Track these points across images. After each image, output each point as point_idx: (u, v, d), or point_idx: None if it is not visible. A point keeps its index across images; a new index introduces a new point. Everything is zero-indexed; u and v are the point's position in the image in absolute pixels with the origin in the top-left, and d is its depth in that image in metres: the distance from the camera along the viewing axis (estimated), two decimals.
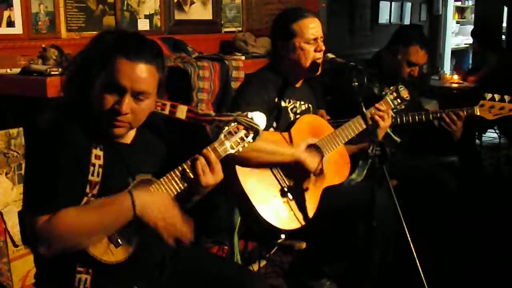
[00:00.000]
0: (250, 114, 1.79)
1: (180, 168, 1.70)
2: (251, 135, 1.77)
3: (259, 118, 1.80)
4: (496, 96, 2.93)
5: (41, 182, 1.57)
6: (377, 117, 2.54)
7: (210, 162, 1.70)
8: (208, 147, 1.72)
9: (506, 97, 2.93)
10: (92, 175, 1.60)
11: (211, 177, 1.70)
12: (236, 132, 1.75)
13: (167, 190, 1.69)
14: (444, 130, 3.00)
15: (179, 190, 1.70)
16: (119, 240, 1.63)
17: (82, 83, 1.62)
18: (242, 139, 1.76)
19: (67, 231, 1.53)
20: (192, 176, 1.69)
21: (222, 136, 1.74)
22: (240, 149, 1.76)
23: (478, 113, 2.96)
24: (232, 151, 1.75)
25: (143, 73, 1.61)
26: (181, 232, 1.68)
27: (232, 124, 1.75)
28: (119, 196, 1.60)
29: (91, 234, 1.57)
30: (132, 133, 1.77)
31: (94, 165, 1.61)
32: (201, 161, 1.69)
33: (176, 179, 1.69)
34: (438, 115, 2.99)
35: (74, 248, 1.57)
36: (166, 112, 1.90)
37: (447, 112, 2.97)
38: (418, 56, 3.09)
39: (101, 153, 1.63)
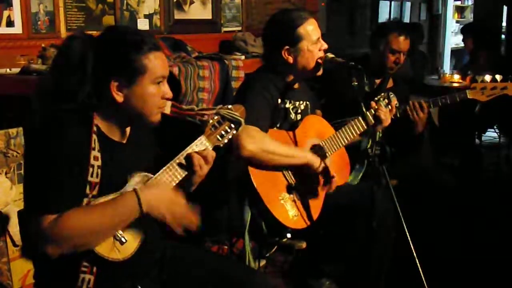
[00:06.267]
0: (230, 106, 1.85)
1: (174, 163, 1.75)
2: (234, 127, 1.84)
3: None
4: (488, 77, 2.92)
5: (45, 182, 1.57)
6: (382, 116, 2.55)
7: (204, 155, 1.76)
8: (196, 141, 1.78)
9: (498, 77, 2.92)
10: (92, 176, 1.61)
11: (207, 168, 1.78)
12: (220, 125, 1.82)
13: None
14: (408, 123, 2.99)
15: (177, 182, 1.75)
16: (123, 238, 1.65)
17: (98, 84, 1.64)
18: (226, 131, 1.83)
19: (76, 231, 1.54)
20: (190, 170, 1.76)
21: (207, 129, 1.81)
22: (226, 141, 1.83)
23: (470, 96, 2.95)
24: (218, 144, 1.82)
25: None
26: (188, 220, 1.72)
27: (215, 117, 1.82)
28: (125, 195, 1.62)
29: (100, 233, 1.59)
30: (126, 133, 1.79)
31: (93, 166, 1.61)
32: (196, 157, 1.75)
33: (174, 171, 1.74)
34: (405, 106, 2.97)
35: (83, 247, 1.57)
36: None
37: (412, 101, 2.96)
38: (399, 42, 3.13)
39: (98, 154, 1.64)
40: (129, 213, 1.61)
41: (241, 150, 2.15)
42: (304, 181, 2.40)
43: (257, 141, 2.20)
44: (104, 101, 1.66)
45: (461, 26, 7.24)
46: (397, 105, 2.71)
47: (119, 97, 1.65)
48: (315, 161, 2.36)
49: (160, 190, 1.68)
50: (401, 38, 3.14)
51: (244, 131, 1.90)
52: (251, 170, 2.28)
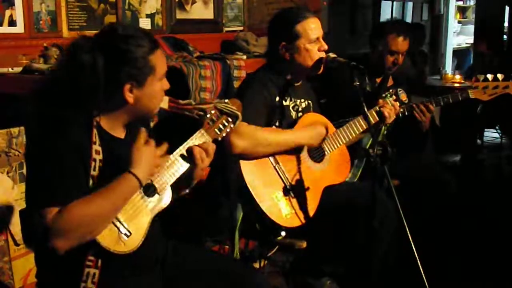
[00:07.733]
0: (227, 100, 1.89)
1: (177, 155, 1.78)
2: (232, 121, 1.88)
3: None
4: (490, 76, 2.92)
5: (48, 176, 1.58)
6: (386, 113, 2.56)
7: (205, 148, 1.80)
8: (196, 134, 1.81)
9: (500, 76, 2.92)
10: (94, 170, 1.63)
11: (208, 161, 1.81)
12: (218, 119, 1.86)
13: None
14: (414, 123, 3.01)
15: (179, 175, 1.78)
16: (128, 232, 1.66)
17: (110, 88, 1.66)
18: (224, 124, 1.87)
19: (82, 219, 1.55)
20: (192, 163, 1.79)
21: (205, 123, 1.84)
22: (224, 134, 1.87)
23: (472, 96, 2.95)
24: (217, 137, 1.86)
25: None
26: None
27: (213, 112, 1.86)
28: (123, 179, 1.63)
29: (104, 217, 1.60)
30: (125, 128, 1.81)
31: (95, 160, 1.64)
32: (197, 149, 1.79)
33: (176, 163, 1.78)
34: (414, 105, 2.98)
35: (90, 236, 1.58)
36: None
37: (419, 103, 2.98)
38: (397, 43, 3.12)
39: (100, 148, 1.66)
40: (131, 192, 1.65)
41: (232, 148, 2.20)
42: (299, 177, 2.41)
43: (247, 137, 2.24)
44: (115, 103, 1.70)
45: (463, 26, 7.25)
46: (407, 101, 2.72)
47: (130, 99, 1.69)
48: (308, 139, 2.41)
49: (143, 157, 1.68)
50: (400, 38, 3.12)
51: (233, 128, 1.92)
52: (244, 168, 2.30)
